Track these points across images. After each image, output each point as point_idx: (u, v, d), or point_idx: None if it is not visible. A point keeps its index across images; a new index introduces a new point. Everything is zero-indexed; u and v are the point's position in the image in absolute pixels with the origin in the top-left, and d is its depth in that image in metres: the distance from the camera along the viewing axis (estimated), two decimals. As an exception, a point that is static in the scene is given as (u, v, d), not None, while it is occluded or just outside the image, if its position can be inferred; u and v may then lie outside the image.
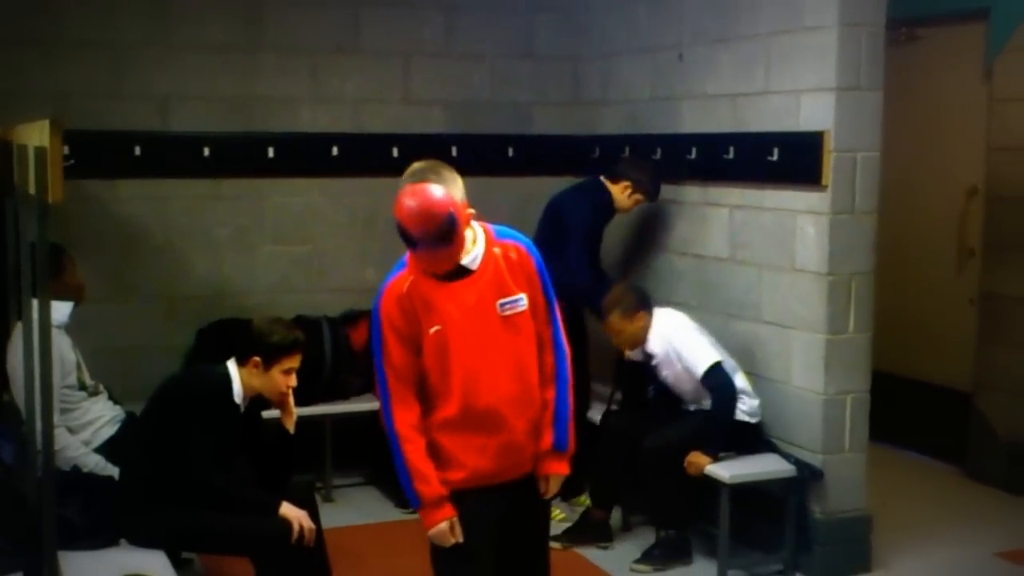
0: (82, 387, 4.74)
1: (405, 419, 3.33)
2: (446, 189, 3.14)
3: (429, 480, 3.32)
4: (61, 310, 4.57)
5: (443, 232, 3.13)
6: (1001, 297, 6.31)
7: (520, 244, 3.40)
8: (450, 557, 3.38)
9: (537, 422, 3.42)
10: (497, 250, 3.34)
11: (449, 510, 3.33)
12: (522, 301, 3.34)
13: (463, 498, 3.36)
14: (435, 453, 3.36)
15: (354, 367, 5.98)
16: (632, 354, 5.30)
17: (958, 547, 5.44)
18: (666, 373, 5.22)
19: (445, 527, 3.33)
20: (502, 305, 3.32)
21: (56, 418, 4.08)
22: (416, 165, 3.23)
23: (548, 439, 3.43)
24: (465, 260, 3.28)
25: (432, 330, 3.28)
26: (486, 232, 3.36)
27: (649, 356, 5.23)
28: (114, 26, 5.86)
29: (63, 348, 4.61)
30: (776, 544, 5.10)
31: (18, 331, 4.24)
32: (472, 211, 3.28)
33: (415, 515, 5.74)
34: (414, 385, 3.34)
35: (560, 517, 5.49)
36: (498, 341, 3.31)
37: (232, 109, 6.11)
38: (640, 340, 5.19)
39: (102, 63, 5.84)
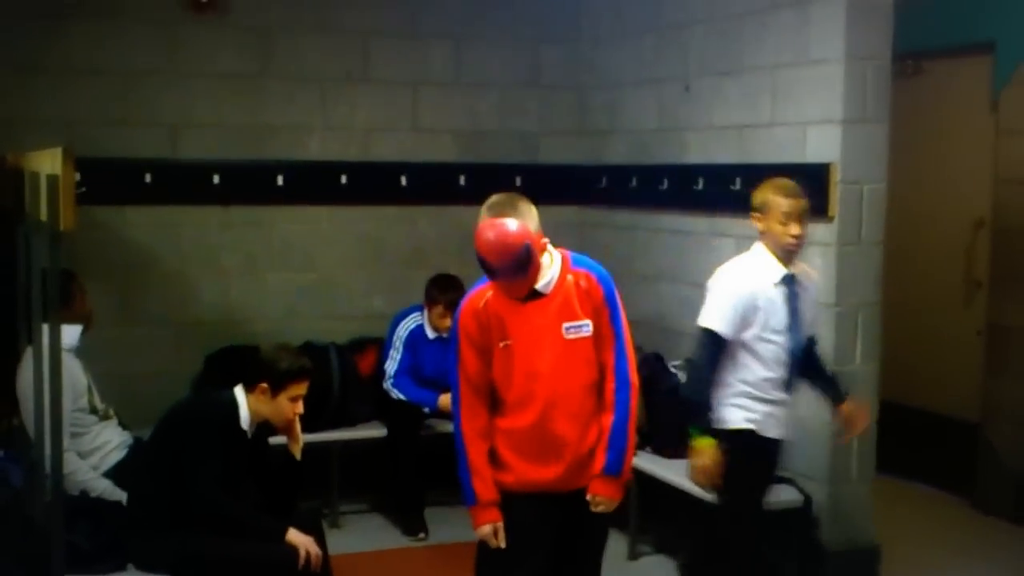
0: (93, 411, 4.76)
1: (472, 424, 3.54)
2: (522, 222, 3.36)
3: (487, 481, 3.53)
4: (71, 333, 4.59)
5: (519, 263, 3.34)
6: (1008, 328, 6.31)
7: (592, 274, 3.55)
8: (496, 561, 3.53)
9: (591, 443, 3.55)
10: (570, 277, 3.52)
11: (497, 515, 3.52)
12: (587, 327, 3.51)
13: (513, 502, 3.53)
14: (493, 455, 3.56)
15: (361, 394, 5.99)
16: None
17: (965, 579, 5.42)
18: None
19: (489, 529, 3.52)
20: (567, 328, 3.49)
21: (66, 442, 4.10)
22: (494, 198, 3.44)
23: (600, 462, 3.54)
24: (539, 284, 3.47)
25: (502, 344, 3.50)
26: (564, 259, 3.54)
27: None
28: (124, 54, 5.91)
29: (74, 371, 4.63)
30: (784, 574, 5.08)
31: (29, 355, 4.26)
32: (547, 240, 3.47)
33: (422, 543, 5.78)
34: (485, 393, 3.55)
35: None
36: (559, 361, 3.49)
37: (242, 137, 6.15)
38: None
39: (112, 91, 5.89)
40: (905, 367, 6.64)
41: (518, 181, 6.62)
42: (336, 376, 5.94)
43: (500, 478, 3.55)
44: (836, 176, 4.87)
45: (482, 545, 3.56)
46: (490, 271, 3.40)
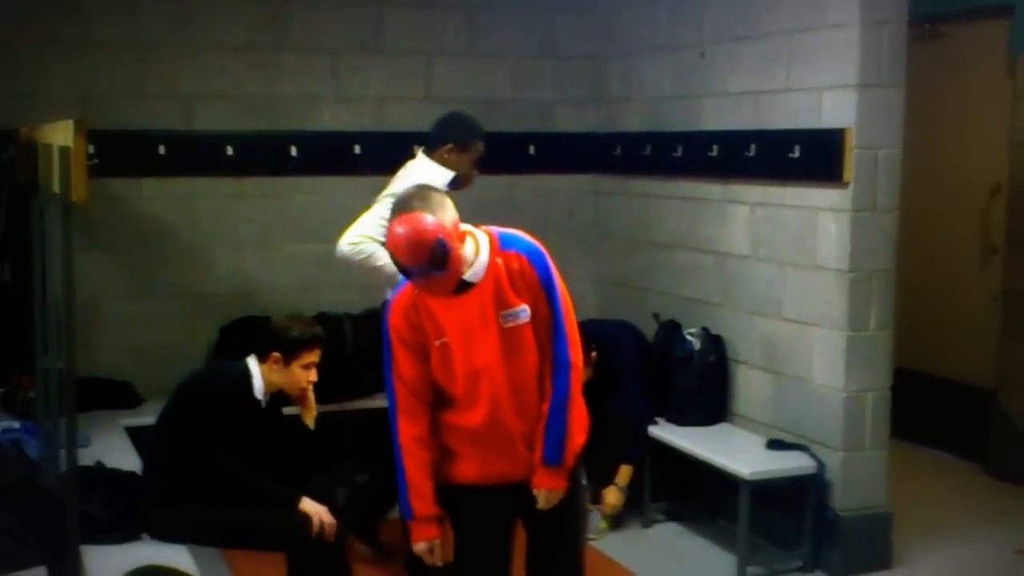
0: None
1: (409, 431, 3.36)
2: (436, 216, 3.13)
3: (424, 496, 3.36)
4: (444, 177, 4.70)
5: (435, 260, 3.11)
6: (1024, 294, 6.29)
7: (523, 253, 3.32)
8: (465, 555, 3.42)
9: (535, 432, 3.39)
10: (500, 260, 3.29)
11: (435, 531, 3.38)
12: (524, 313, 3.31)
13: (472, 494, 3.41)
14: (445, 451, 3.42)
15: (376, 364, 5.96)
16: None
17: (979, 544, 5.42)
18: None
19: (425, 547, 3.38)
20: (504, 317, 3.29)
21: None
22: (401, 195, 3.25)
23: (538, 452, 3.37)
24: (467, 275, 3.25)
25: (438, 342, 3.30)
26: (492, 241, 3.32)
27: None
28: (138, 26, 5.90)
29: None
30: (796, 541, 5.11)
31: None
32: (468, 227, 3.28)
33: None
34: (424, 396, 3.37)
35: (603, 526, 5.46)
36: (501, 353, 3.31)
37: (255, 108, 6.15)
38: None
39: (126, 63, 5.88)
40: (920, 333, 6.63)
41: (532, 150, 6.64)
42: (350, 346, 5.95)
43: (461, 471, 3.41)
44: (851, 141, 4.84)
45: (455, 541, 3.41)
46: (405, 272, 3.17)
